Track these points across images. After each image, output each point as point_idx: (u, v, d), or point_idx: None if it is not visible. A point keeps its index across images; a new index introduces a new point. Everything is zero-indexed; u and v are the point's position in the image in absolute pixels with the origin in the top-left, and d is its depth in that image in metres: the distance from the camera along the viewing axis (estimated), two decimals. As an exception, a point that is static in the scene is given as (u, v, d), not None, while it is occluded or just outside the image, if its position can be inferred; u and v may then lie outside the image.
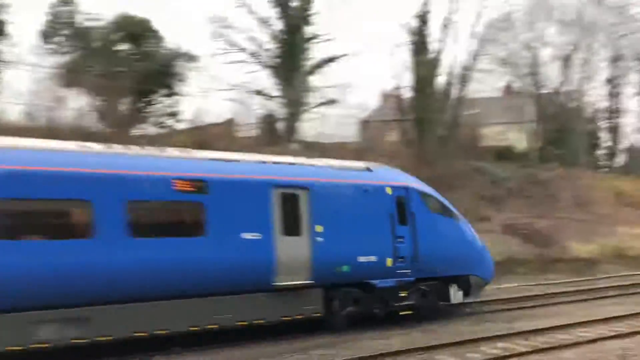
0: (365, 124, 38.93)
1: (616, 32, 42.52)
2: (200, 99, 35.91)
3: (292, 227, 12.23)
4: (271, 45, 31.59)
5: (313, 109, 32.00)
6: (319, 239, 12.45)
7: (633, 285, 21.56)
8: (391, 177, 14.45)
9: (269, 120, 31.25)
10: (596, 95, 46.56)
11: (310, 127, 32.33)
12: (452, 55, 33.67)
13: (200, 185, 11.19)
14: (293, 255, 12.09)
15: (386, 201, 13.59)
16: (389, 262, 13.39)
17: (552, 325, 13.99)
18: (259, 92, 31.20)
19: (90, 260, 9.94)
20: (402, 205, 13.78)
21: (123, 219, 10.30)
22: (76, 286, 9.76)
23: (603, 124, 47.75)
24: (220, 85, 29.99)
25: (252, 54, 31.69)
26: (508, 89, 45.98)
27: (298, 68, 30.29)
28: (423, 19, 32.22)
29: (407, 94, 33.88)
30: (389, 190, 13.72)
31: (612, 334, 13.26)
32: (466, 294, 14.95)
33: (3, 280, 9.11)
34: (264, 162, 12.97)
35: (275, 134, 30.34)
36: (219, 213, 11.25)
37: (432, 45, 32.45)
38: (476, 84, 37.11)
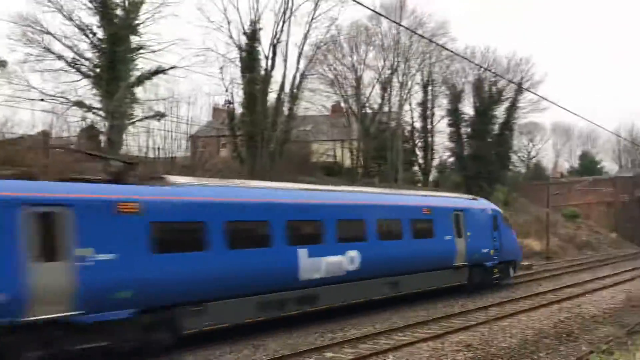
0: (195, 138, 38.06)
1: (428, 59, 46.72)
2: (8, 108, 32.17)
3: (458, 232, 21.44)
4: (92, 54, 29.52)
5: (138, 122, 30.35)
6: (469, 239, 21.73)
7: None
8: (487, 203, 24.93)
9: (89, 134, 29.02)
10: (412, 116, 50.74)
11: (135, 140, 30.69)
12: (282, 73, 34.02)
13: (431, 210, 20.48)
14: (460, 248, 21.38)
15: (489, 218, 23.47)
16: (492, 252, 22.96)
17: (377, 331, 14.74)
18: (78, 103, 28.79)
19: (401, 252, 18.53)
20: (495, 220, 23.67)
21: (410, 230, 19.25)
22: (395, 265, 18.22)
23: (418, 142, 52.04)
24: (32, 95, 27.25)
25: (71, 63, 29.28)
26: (336, 108, 48.24)
27: (122, 79, 28.49)
28: (252, 36, 32.38)
29: (238, 109, 33.77)
30: (489, 211, 23.74)
31: (427, 336, 14.29)
32: (513, 272, 25.42)
33: (374, 261, 17.27)
34: (446, 196, 23.79)
35: (96, 148, 28.26)
36: (437, 225, 20.45)
37: (262, 62, 32.75)
38: (306, 102, 38.33)
